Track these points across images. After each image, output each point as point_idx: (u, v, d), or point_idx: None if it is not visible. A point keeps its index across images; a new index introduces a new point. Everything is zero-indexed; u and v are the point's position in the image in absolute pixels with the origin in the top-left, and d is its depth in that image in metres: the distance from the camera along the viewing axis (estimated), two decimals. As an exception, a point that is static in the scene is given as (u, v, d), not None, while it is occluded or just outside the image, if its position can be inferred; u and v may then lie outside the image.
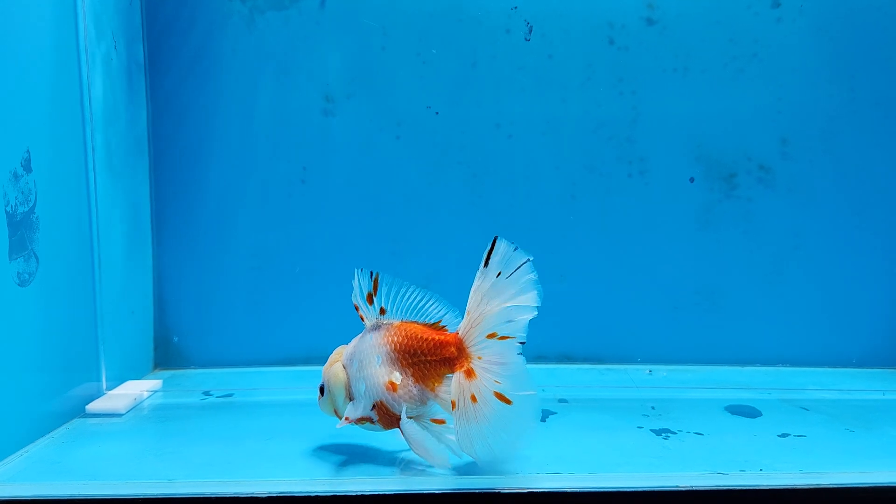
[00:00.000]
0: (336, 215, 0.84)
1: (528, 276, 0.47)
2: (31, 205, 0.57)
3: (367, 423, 0.52)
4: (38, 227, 0.58)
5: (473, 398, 0.48)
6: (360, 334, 0.53)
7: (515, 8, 0.82)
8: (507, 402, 0.47)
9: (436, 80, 0.82)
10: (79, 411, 0.65)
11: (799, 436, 0.59)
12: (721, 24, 0.82)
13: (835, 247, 0.84)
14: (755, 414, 0.66)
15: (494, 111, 0.83)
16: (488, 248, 0.48)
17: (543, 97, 0.83)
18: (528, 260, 0.47)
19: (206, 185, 0.83)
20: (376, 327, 0.52)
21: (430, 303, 0.52)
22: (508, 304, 0.47)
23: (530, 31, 0.82)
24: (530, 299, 0.47)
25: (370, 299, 0.52)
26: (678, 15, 0.82)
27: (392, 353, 0.51)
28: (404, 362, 0.51)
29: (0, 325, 0.53)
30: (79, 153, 0.66)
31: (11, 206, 0.54)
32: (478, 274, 0.49)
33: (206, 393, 0.75)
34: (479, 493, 0.47)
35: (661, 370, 0.83)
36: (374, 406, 0.51)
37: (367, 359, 0.51)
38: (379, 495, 0.47)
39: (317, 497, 0.47)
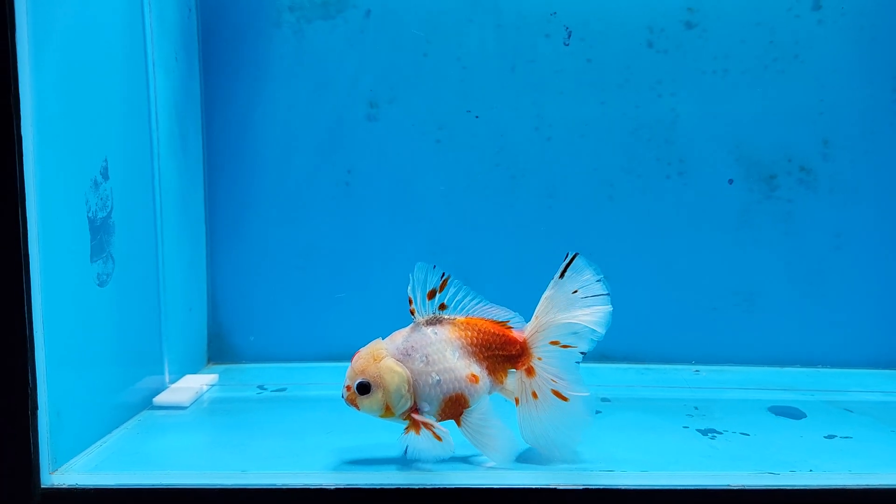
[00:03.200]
0: (378, 216, 0.86)
1: (603, 308, 0.52)
2: (108, 210, 0.60)
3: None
4: (115, 230, 0.62)
5: (534, 395, 0.53)
6: (409, 329, 0.54)
7: (554, 13, 0.83)
8: (564, 399, 0.52)
9: (476, 84, 0.84)
10: (146, 404, 0.68)
11: (845, 437, 0.60)
12: (761, 25, 0.82)
13: (877, 247, 0.84)
14: (799, 415, 0.67)
15: (533, 114, 0.85)
16: (566, 261, 0.53)
17: (582, 100, 0.84)
18: (607, 294, 0.52)
19: (256, 189, 0.86)
20: (434, 322, 0.53)
21: (492, 307, 0.55)
22: (577, 321, 0.52)
23: (569, 36, 0.83)
24: (599, 325, 0.52)
25: (432, 295, 0.53)
26: (718, 18, 0.83)
27: (468, 347, 0.53)
28: (480, 356, 0.54)
29: (84, 323, 0.57)
30: (146, 160, 0.70)
31: (92, 212, 0.58)
32: (551, 283, 0.53)
33: (261, 387, 0.78)
34: (538, 489, 0.49)
35: (701, 370, 0.84)
36: (446, 399, 0.53)
37: (438, 353, 0.53)
38: (441, 489, 0.49)
39: (381, 490, 0.49)
